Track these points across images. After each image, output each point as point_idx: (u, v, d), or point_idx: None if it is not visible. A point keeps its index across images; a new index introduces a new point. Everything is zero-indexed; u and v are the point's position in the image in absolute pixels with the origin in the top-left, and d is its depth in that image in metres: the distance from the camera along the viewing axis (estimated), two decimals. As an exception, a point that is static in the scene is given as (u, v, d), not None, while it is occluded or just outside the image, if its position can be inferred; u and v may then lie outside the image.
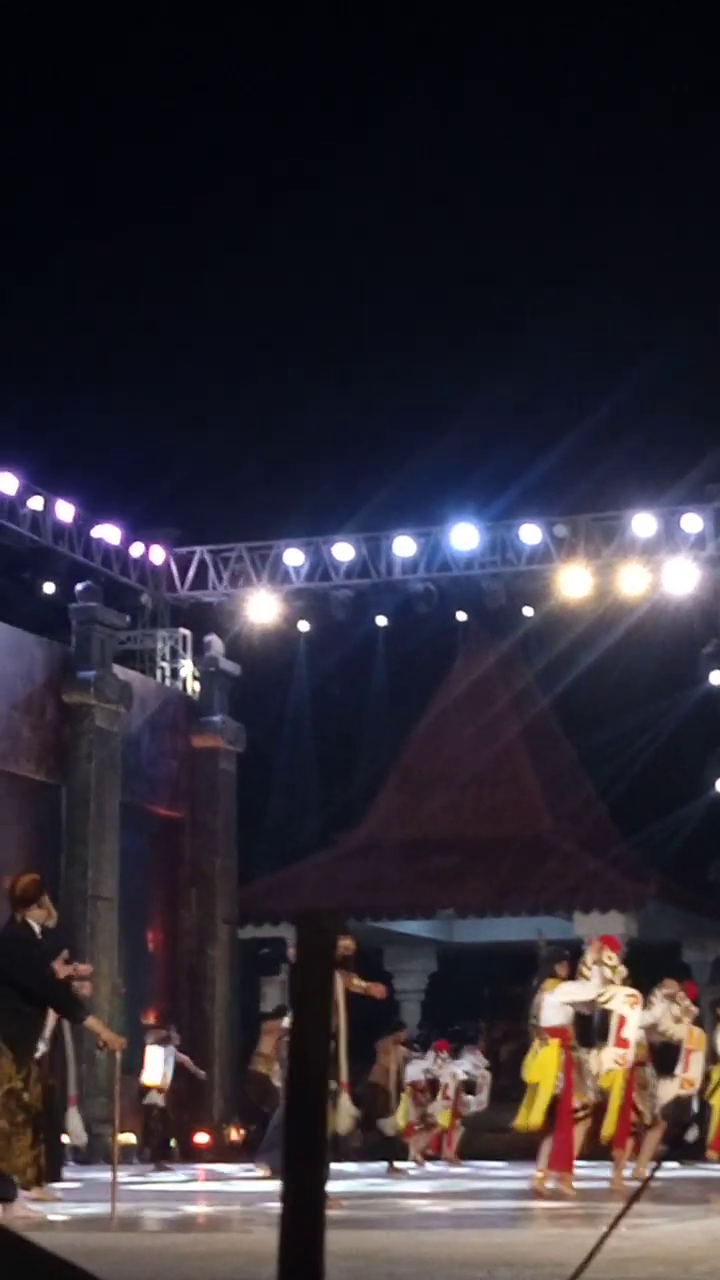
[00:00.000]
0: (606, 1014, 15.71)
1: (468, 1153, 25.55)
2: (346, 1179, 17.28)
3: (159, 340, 37.50)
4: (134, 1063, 24.11)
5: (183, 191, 41.36)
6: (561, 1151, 15.08)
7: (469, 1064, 25.72)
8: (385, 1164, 22.48)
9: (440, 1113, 24.97)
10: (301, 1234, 1.84)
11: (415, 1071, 24.62)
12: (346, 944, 13.72)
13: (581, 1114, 15.41)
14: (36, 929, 11.76)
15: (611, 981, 15.56)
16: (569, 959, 15.94)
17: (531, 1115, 15.17)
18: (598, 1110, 15.74)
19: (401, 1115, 24.26)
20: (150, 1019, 27.99)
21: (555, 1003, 15.21)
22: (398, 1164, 22.57)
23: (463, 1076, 25.18)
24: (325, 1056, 1.90)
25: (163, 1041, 24.29)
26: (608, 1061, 15.49)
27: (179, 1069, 24.53)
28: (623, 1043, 15.45)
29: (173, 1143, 26.18)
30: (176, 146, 42.58)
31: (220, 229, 40.97)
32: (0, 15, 37.08)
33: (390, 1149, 23.28)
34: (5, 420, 29.97)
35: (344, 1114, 13.46)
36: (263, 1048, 23.91)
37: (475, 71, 41.02)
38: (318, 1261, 1.78)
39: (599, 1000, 15.52)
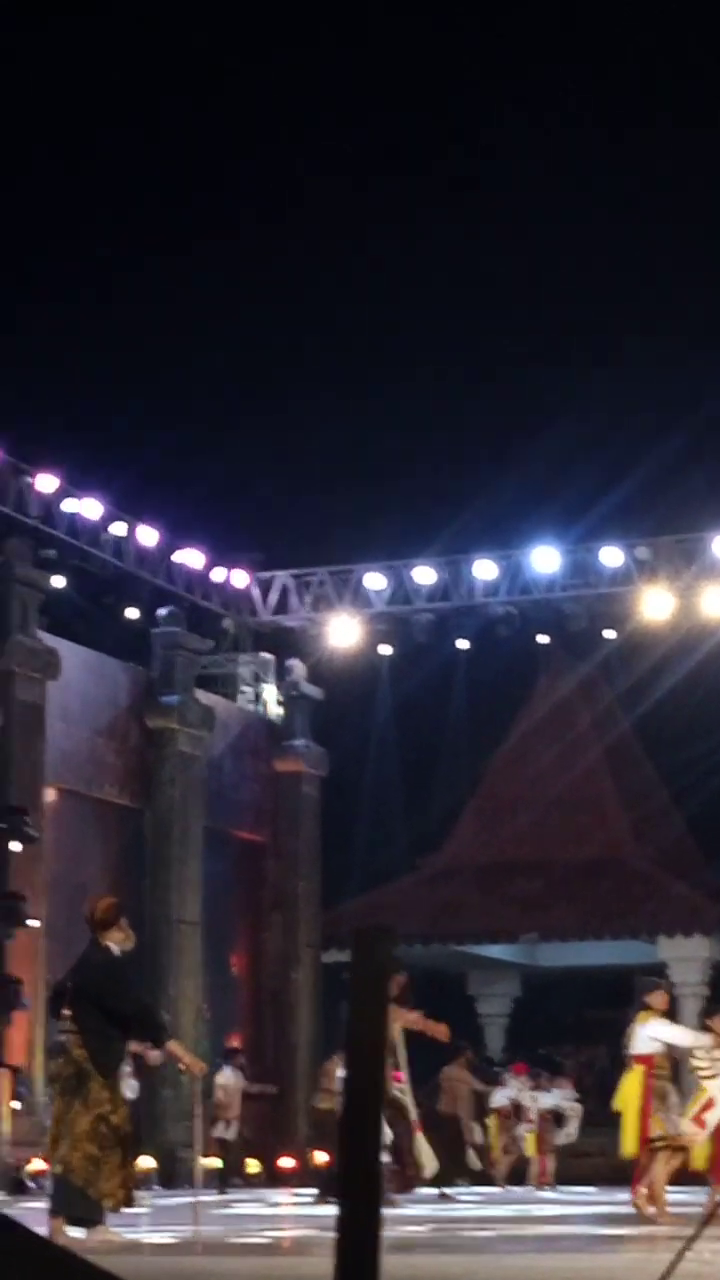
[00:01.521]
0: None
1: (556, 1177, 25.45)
2: (429, 1204, 17.25)
3: (242, 368, 37.68)
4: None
5: (258, 222, 41.56)
6: (641, 1174, 15.01)
7: (558, 1096, 25.59)
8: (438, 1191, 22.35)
9: (525, 1138, 24.89)
10: (358, 1256, 1.86)
11: (501, 1098, 24.53)
12: (398, 980, 13.65)
13: (660, 1144, 15.29)
14: (116, 951, 11.82)
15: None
16: (663, 988, 15.85)
17: (626, 1143, 15.16)
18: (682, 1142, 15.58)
19: (492, 1141, 24.18)
20: (234, 1043, 28.01)
21: (645, 1034, 15.17)
22: (447, 1190, 22.35)
23: (549, 1106, 25.07)
24: (381, 1078, 1.92)
25: (239, 1067, 24.28)
26: (685, 1128, 15.33)
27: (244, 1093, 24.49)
28: (700, 1121, 15.28)
29: (257, 1167, 26.22)
30: (263, 160, 42.80)
31: (306, 255, 41.14)
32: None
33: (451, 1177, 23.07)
34: (89, 447, 30.18)
35: (426, 1156, 13.41)
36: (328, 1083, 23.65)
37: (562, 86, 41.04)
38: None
39: (694, 1061, 15.40)
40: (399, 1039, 13.38)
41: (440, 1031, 14.67)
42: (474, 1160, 23.72)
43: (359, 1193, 1.87)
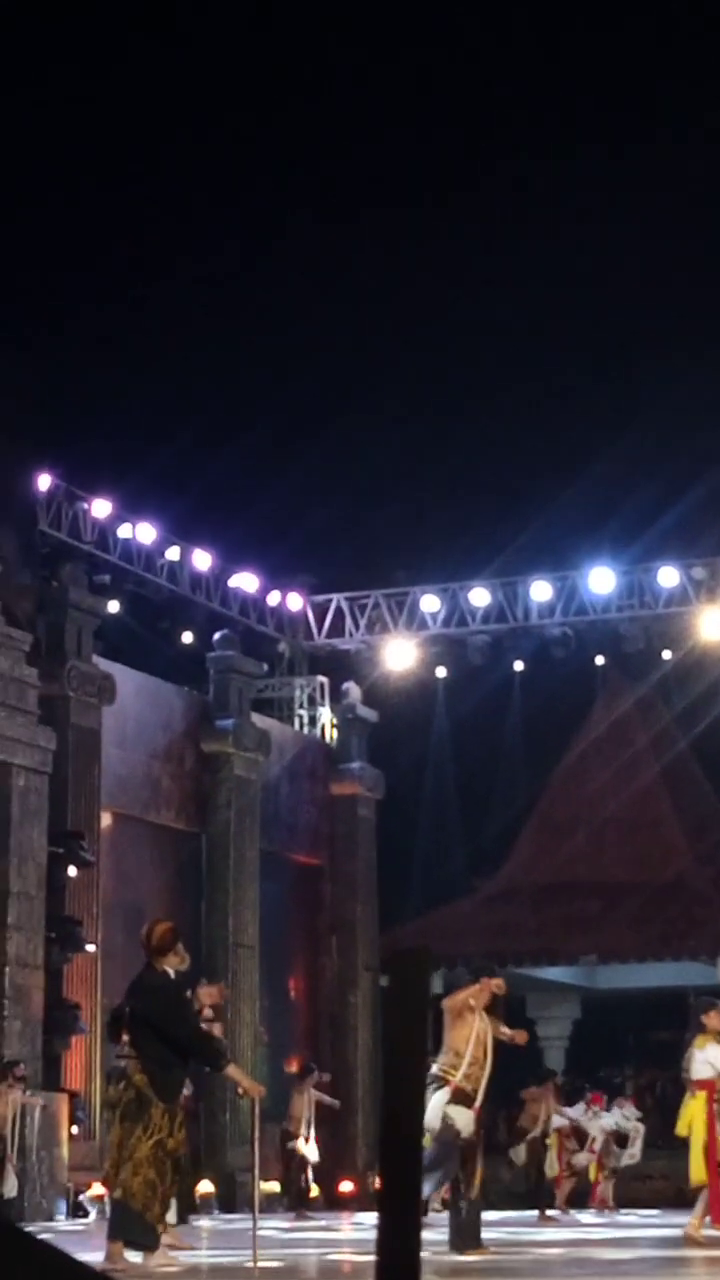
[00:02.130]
0: None
1: (618, 1201, 25.32)
2: (494, 1227, 17.16)
3: (296, 392, 37.75)
4: (278, 1110, 24.13)
5: (292, 238, 41.67)
6: (717, 1202, 14.86)
7: (619, 1116, 25.46)
8: (536, 1212, 22.30)
9: (588, 1164, 24.80)
10: (398, 1275, 1.85)
11: (561, 1120, 24.42)
12: (498, 983, 13.60)
13: None
14: (173, 976, 11.82)
15: None
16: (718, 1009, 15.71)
17: (693, 1170, 15.04)
18: None
19: (550, 1163, 24.05)
20: (293, 1067, 27.98)
21: (704, 1059, 15.07)
22: (550, 1212, 22.36)
23: (611, 1128, 24.96)
24: (420, 1097, 1.91)
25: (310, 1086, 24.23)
26: None
27: (319, 1109, 24.42)
28: None
29: (315, 1190, 26.13)
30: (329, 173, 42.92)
31: (358, 280, 41.23)
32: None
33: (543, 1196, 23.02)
34: (143, 472, 30.25)
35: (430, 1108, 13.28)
36: None
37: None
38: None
39: None
40: (490, 1044, 13.27)
41: (521, 1038, 14.56)
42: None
43: (399, 1212, 1.85)
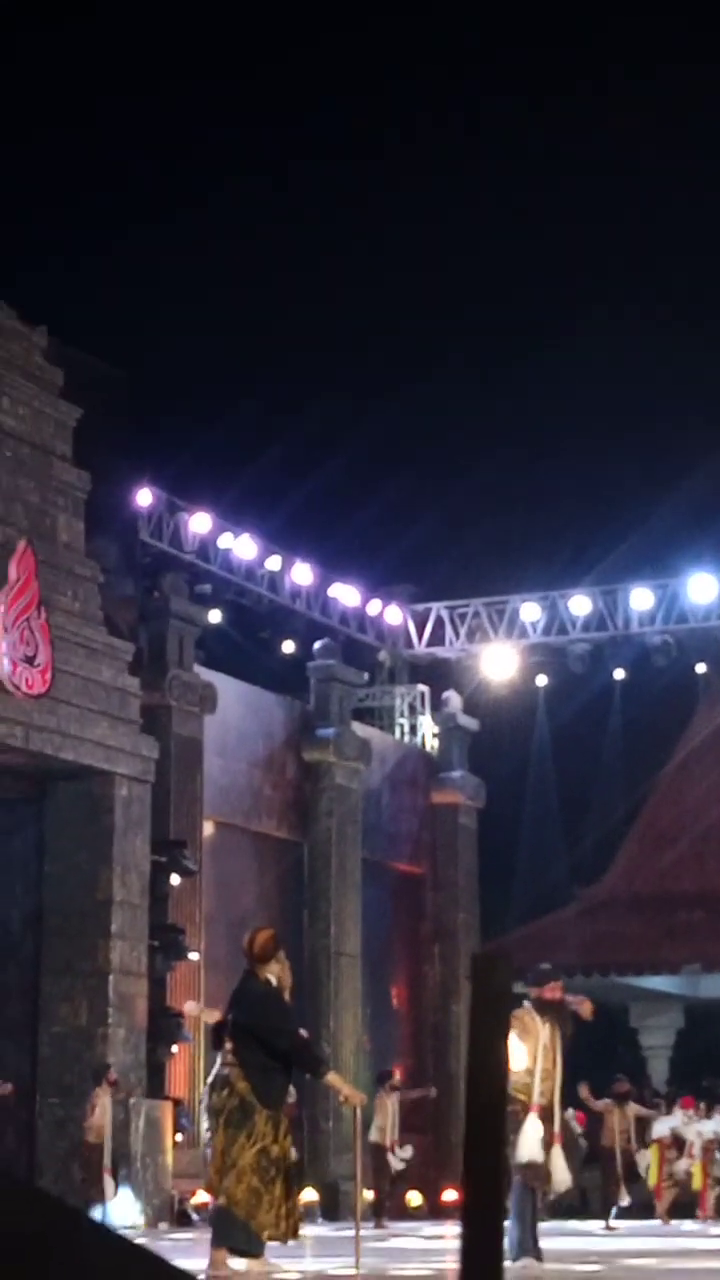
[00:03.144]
0: None
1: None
2: (587, 1236, 17.12)
3: (395, 403, 37.81)
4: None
5: (398, 249, 41.72)
6: None
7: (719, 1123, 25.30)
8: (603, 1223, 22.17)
9: (691, 1170, 24.63)
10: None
11: (662, 1129, 24.30)
12: (551, 988, 13.50)
13: None
14: (274, 983, 11.87)
15: None
16: None
17: None
18: None
19: (652, 1173, 23.93)
20: (396, 1075, 28.01)
21: None
22: (612, 1223, 22.17)
23: (710, 1136, 24.79)
24: (502, 1103, 1.94)
25: (396, 1091, 24.21)
26: None
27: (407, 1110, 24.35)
28: None
29: (418, 1199, 26.15)
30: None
31: (463, 291, 41.25)
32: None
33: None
34: (243, 484, 30.41)
35: (558, 1168, 13.19)
36: None
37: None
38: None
39: None
40: (558, 1049, 13.15)
41: (586, 1010, 14.30)
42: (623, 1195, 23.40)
43: (482, 1218, 1.89)
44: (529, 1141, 12.74)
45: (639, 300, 39.62)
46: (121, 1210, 21.08)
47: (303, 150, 42.74)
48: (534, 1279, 11.51)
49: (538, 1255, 12.66)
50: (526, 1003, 13.18)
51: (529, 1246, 12.42)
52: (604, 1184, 22.59)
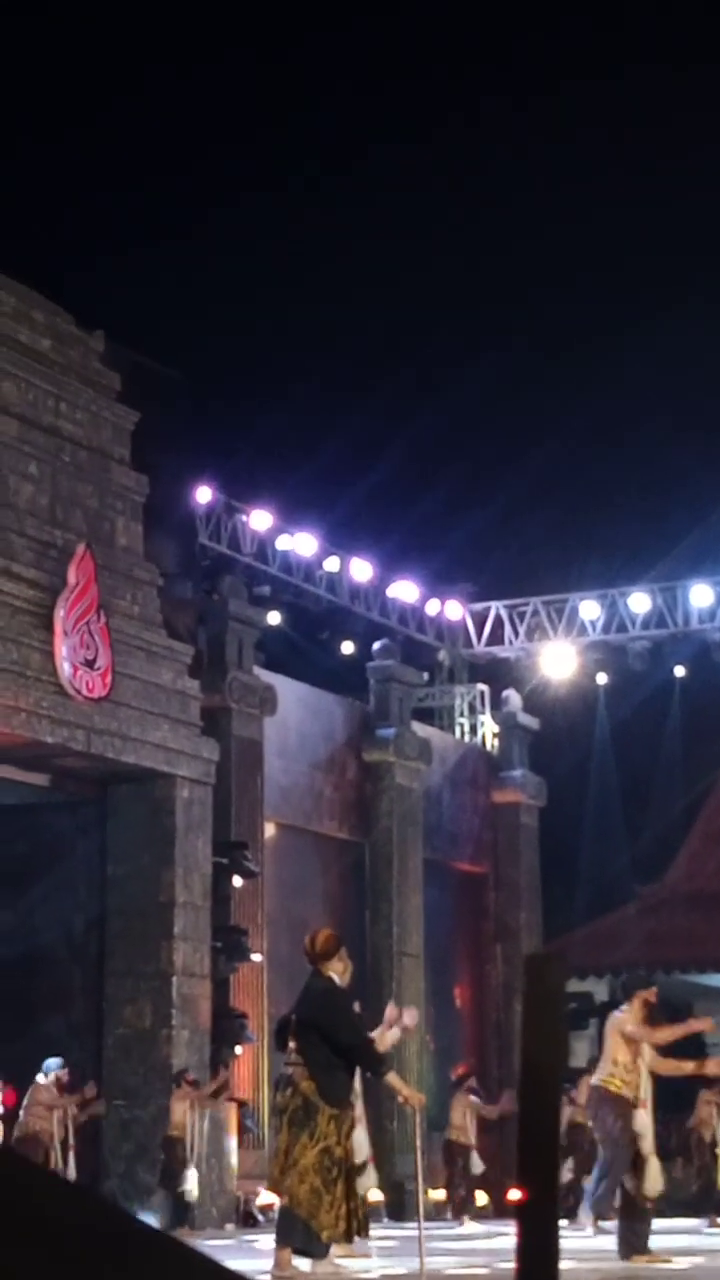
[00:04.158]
0: None
1: None
2: (671, 1234, 17.04)
3: (449, 396, 37.77)
4: (444, 1119, 24.18)
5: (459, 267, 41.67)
6: None
7: None
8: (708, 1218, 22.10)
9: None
10: None
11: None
12: (651, 993, 13.49)
13: None
14: (337, 982, 11.89)
15: None
16: None
17: None
18: None
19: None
20: (460, 1074, 27.98)
21: None
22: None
23: None
24: (557, 1105, 1.94)
25: (473, 1092, 24.20)
26: None
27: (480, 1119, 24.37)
28: None
29: (485, 1198, 26.10)
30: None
31: (512, 275, 41.17)
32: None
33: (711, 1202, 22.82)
34: (301, 484, 30.46)
35: (653, 1173, 13.21)
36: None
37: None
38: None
39: None
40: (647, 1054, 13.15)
41: (706, 1025, 14.34)
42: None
43: (538, 1221, 1.89)
44: (646, 1135, 12.82)
45: (700, 289, 39.46)
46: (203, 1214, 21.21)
47: (348, 138, 42.70)
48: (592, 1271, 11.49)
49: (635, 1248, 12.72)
50: (625, 1008, 13.20)
51: (601, 1208, 12.49)
52: (700, 1178, 22.57)
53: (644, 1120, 13.02)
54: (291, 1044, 11.73)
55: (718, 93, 40.32)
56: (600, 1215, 12.40)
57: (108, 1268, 1.88)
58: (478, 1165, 23.81)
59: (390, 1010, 12.95)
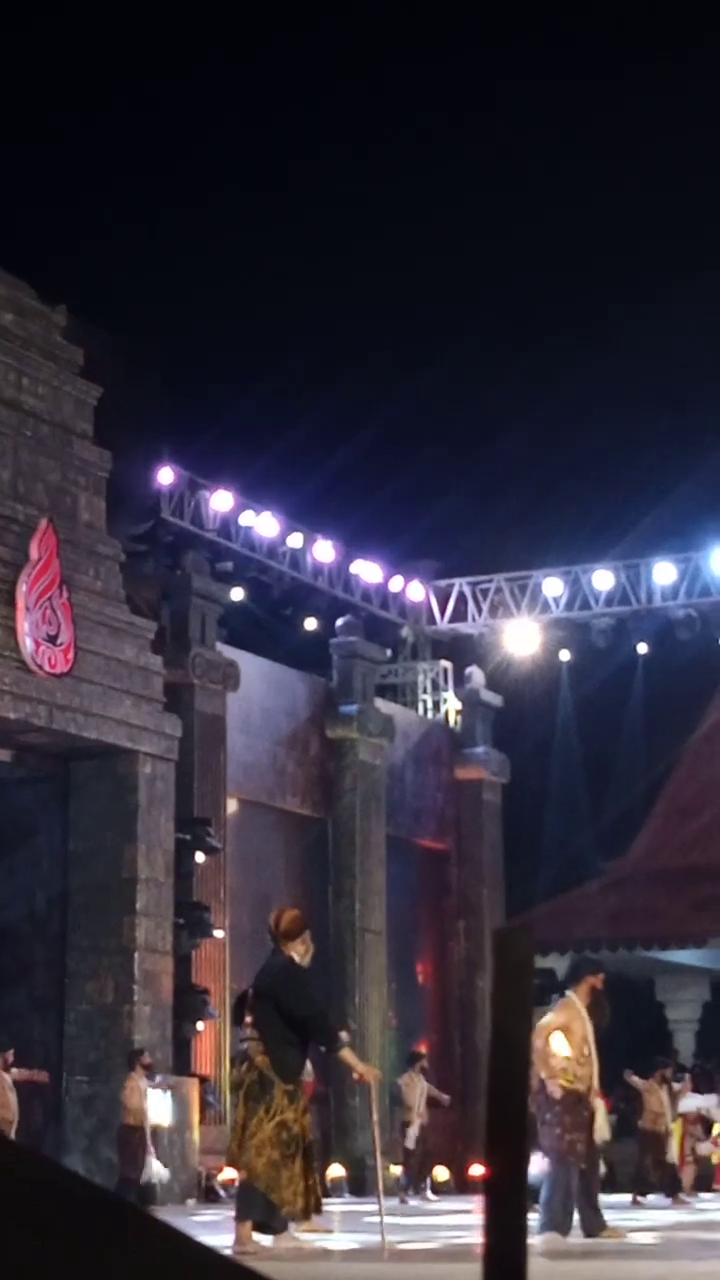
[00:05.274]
0: None
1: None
2: (620, 1212, 17.13)
3: (416, 378, 37.74)
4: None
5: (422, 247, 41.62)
6: None
7: None
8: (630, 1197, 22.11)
9: (712, 1152, 24.72)
10: (506, 1264, 1.87)
11: (689, 1105, 24.29)
12: (599, 979, 13.46)
13: None
14: (298, 960, 11.91)
15: None
16: None
17: None
18: None
19: (675, 1149, 23.90)
20: (422, 1051, 28.08)
21: None
22: (639, 1198, 22.07)
23: None
24: (525, 1081, 1.93)
25: (425, 1074, 24.23)
26: None
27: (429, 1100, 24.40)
28: None
29: (445, 1174, 26.18)
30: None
31: (478, 269, 41.15)
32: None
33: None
34: (265, 462, 30.40)
35: (600, 1121, 13.19)
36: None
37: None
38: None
39: None
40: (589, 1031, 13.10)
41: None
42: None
43: (505, 1198, 1.88)
44: (600, 1124, 12.82)
45: (663, 272, 39.50)
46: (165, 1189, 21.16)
47: (314, 124, 42.62)
48: (559, 1252, 11.52)
49: (597, 1225, 12.72)
50: (569, 993, 13.18)
51: (559, 1222, 12.44)
52: (640, 1160, 22.51)
53: (599, 1112, 13.01)
54: (248, 1019, 11.76)
55: (669, 83, 40.29)
56: (559, 1229, 12.34)
57: (81, 1239, 1.87)
58: (411, 1140, 23.76)
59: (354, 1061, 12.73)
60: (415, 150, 41.82)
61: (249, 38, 41.63)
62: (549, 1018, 12.96)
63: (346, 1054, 12.26)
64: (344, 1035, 13.25)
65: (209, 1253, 1.99)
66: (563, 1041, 12.75)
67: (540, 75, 41.49)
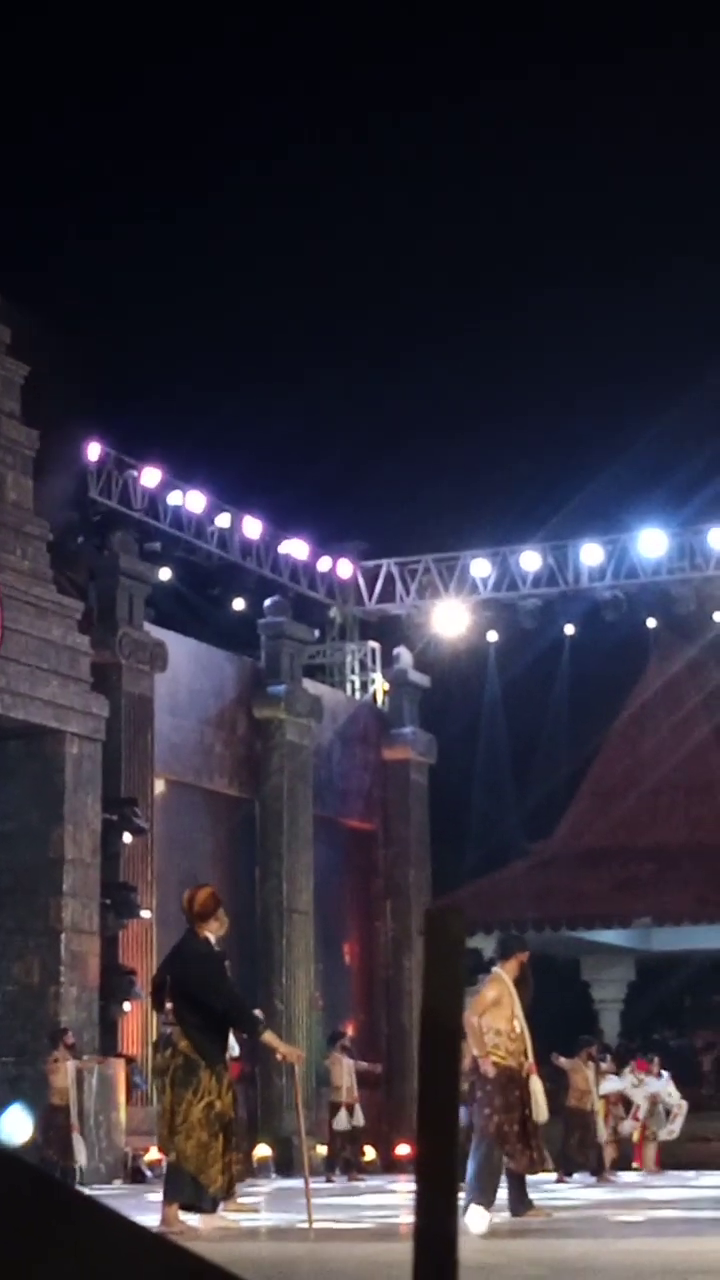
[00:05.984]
0: None
1: (668, 1163, 25.36)
2: (545, 1190, 17.22)
3: (340, 360, 37.73)
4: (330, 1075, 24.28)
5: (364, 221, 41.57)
6: None
7: (665, 1086, 25.42)
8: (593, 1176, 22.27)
9: (632, 1132, 24.92)
10: (436, 1247, 1.87)
11: (610, 1087, 24.43)
12: (525, 956, 13.50)
13: None
14: (213, 942, 11.90)
15: None
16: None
17: None
18: None
19: (602, 1127, 24.03)
20: (348, 1031, 28.13)
21: None
22: (565, 1176, 22.21)
23: (654, 1093, 24.97)
24: (458, 1060, 1.93)
25: (347, 1052, 24.27)
26: None
27: (360, 1075, 24.46)
28: None
29: (372, 1153, 26.24)
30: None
31: (409, 242, 41.15)
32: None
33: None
34: (193, 440, 30.32)
35: (538, 1095, 13.20)
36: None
37: None
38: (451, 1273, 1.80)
39: None
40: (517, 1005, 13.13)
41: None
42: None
43: (437, 1180, 1.88)
44: (540, 1103, 12.82)
45: (589, 257, 39.62)
46: (91, 1170, 21.13)
47: (254, 103, 42.47)
48: (486, 1231, 11.55)
49: (524, 1205, 12.75)
50: (497, 969, 13.21)
51: (485, 1198, 12.47)
52: (565, 1139, 22.60)
53: (535, 1089, 13.03)
54: (169, 1005, 11.77)
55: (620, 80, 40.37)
56: (486, 1205, 12.35)
57: (19, 1221, 1.86)
58: (342, 1121, 23.81)
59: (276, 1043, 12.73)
60: (347, 131, 41.74)
61: (215, 31, 41.44)
62: (481, 993, 12.99)
63: (268, 1036, 12.27)
64: (258, 1013, 13.29)
65: (146, 1234, 1.98)
66: (497, 1015, 12.80)
67: (518, 75, 41.52)
